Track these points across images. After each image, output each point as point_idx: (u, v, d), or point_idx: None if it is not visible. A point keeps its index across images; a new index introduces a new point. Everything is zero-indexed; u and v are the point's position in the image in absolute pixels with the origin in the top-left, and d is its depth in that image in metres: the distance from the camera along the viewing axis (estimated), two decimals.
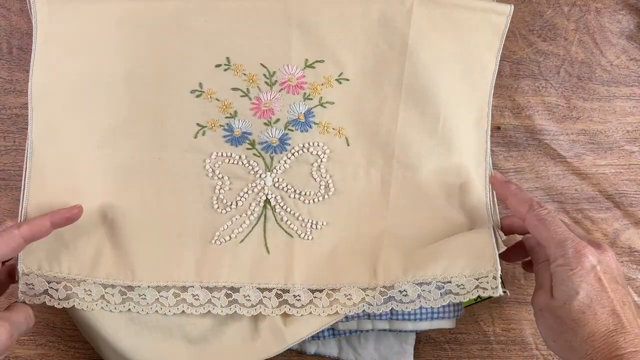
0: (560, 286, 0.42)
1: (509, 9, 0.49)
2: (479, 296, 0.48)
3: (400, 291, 0.47)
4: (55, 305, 0.46)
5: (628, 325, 0.40)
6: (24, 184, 0.46)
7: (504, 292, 0.46)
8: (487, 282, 0.46)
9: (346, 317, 0.49)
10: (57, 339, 0.54)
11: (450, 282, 0.46)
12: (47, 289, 0.46)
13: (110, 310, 0.47)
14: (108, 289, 0.47)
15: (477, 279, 0.46)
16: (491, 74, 0.50)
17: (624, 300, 0.41)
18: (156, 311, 0.47)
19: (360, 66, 0.48)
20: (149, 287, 0.47)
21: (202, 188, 0.49)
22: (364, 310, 0.48)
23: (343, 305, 0.48)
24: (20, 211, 0.46)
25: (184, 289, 0.48)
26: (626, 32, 0.55)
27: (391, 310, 0.49)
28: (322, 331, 0.51)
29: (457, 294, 0.46)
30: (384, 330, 0.51)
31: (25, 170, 0.46)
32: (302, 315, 0.48)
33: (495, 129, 0.55)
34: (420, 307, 0.49)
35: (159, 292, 0.48)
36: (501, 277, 0.47)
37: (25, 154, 0.47)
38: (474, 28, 0.49)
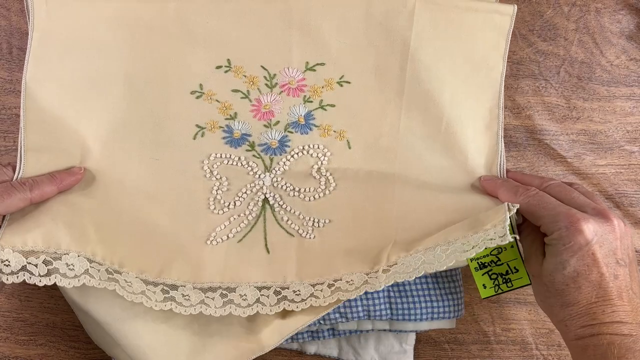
0: (550, 258, 0.43)
1: (512, 9, 0.48)
2: (499, 287, 0.47)
3: (403, 264, 0.44)
4: (37, 283, 0.43)
5: (615, 298, 0.41)
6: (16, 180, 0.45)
7: (514, 237, 0.42)
8: (495, 232, 0.41)
9: (346, 317, 0.49)
10: (57, 339, 0.54)
11: (455, 244, 0.43)
12: (25, 265, 0.43)
13: (95, 286, 0.43)
14: (94, 264, 0.44)
15: (484, 233, 0.42)
16: (499, 75, 0.49)
17: (616, 274, 0.42)
18: (141, 302, 0.44)
19: (361, 69, 0.48)
20: (136, 277, 0.45)
21: (198, 189, 0.49)
22: (364, 311, 0.48)
23: (345, 291, 0.45)
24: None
25: (174, 287, 0.46)
26: (626, 32, 0.55)
27: (391, 310, 0.49)
28: (322, 331, 0.51)
29: (464, 251, 0.42)
30: (384, 330, 0.51)
31: (19, 169, 0.46)
32: (302, 309, 0.46)
33: None
34: (421, 307, 0.49)
35: (146, 285, 0.45)
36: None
37: (19, 150, 0.46)
38: (478, 29, 0.48)
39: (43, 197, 0.45)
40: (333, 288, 0.46)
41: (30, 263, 0.43)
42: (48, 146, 0.47)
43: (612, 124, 0.55)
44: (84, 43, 0.47)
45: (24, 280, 0.44)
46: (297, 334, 0.51)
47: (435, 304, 0.50)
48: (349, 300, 0.48)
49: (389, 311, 0.49)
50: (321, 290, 0.46)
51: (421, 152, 0.49)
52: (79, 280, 0.43)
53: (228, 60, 0.48)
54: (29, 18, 0.46)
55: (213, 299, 0.46)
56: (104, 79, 0.47)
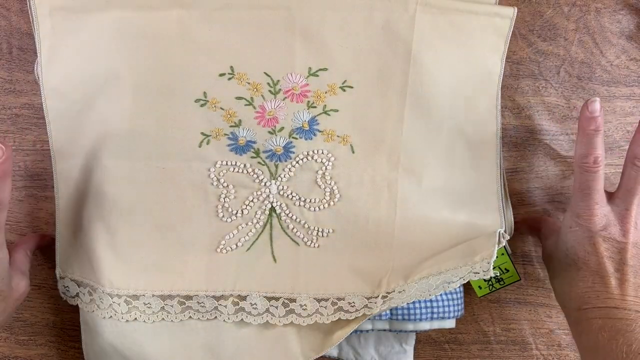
0: (561, 235, 0.47)
1: (512, 11, 0.48)
2: (493, 285, 0.50)
3: (399, 292, 0.47)
4: (85, 308, 0.49)
5: (614, 288, 0.43)
6: (57, 197, 0.50)
7: (495, 274, 0.46)
8: (480, 266, 0.45)
9: None
10: (57, 339, 0.54)
11: (445, 274, 0.46)
12: (78, 292, 0.50)
13: (118, 319, 0.48)
14: (114, 298, 0.48)
15: (471, 267, 0.46)
16: (497, 77, 0.49)
17: (618, 268, 0.44)
18: (162, 319, 0.48)
19: (364, 74, 0.48)
20: (153, 295, 0.48)
21: (206, 197, 0.49)
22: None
23: (346, 312, 0.48)
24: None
25: (189, 297, 0.49)
26: (626, 32, 0.55)
27: (391, 310, 0.49)
28: None
29: (451, 282, 0.46)
30: (384, 330, 0.51)
31: (56, 188, 0.50)
32: (307, 324, 0.48)
33: None
34: (421, 307, 0.50)
35: (163, 301, 0.48)
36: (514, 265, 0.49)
37: (53, 164, 0.50)
38: (478, 32, 0.48)
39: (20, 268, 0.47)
40: (336, 307, 0.48)
41: (80, 291, 0.50)
42: (72, 153, 0.49)
43: (612, 124, 0.55)
44: (89, 55, 0.47)
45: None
46: None
47: (435, 304, 0.50)
48: None
49: (388, 311, 0.49)
50: (325, 308, 0.48)
51: (423, 155, 0.49)
52: (107, 312, 0.48)
53: (231, 67, 0.47)
54: (35, 31, 0.47)
55: (225, 306, 0.49)
56: (109, 90, 0.47)
